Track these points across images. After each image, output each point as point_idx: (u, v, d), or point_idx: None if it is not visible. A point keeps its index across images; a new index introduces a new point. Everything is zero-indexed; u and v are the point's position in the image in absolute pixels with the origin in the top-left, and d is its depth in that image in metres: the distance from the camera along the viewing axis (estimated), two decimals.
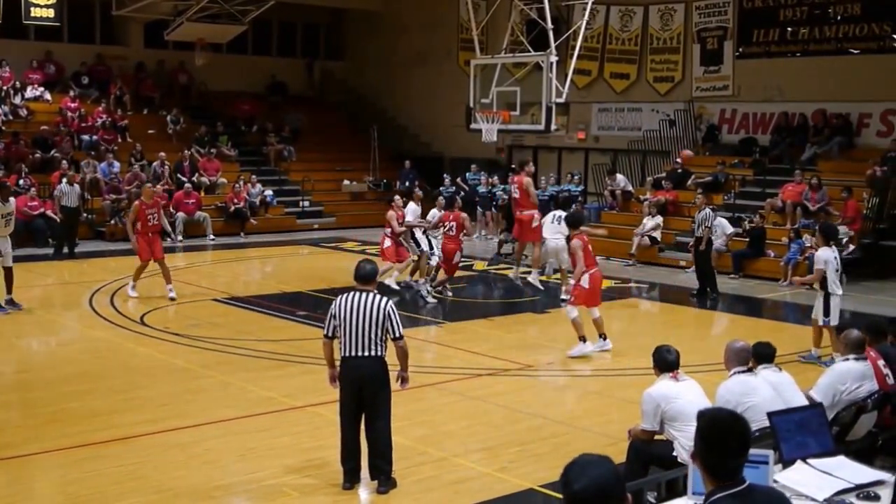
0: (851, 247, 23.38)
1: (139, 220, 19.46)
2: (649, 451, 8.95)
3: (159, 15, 33.05)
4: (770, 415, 7.26)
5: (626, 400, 12.53)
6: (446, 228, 20.00)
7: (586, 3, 23.29)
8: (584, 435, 11.50)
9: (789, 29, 28.14)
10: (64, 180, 25.75)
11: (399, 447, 9.97)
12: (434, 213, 21.11)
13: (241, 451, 10.70)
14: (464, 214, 20.51)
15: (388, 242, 20.62)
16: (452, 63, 34.99)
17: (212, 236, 29.23)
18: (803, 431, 7.04)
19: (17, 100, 31.79)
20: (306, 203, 33.56)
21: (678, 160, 28.58)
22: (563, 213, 20.23)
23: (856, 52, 26.95)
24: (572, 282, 16.49)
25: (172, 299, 19.33)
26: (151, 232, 19.65)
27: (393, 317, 9.43)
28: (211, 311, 18.85)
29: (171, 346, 15.65)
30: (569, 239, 17.01)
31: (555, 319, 17.97)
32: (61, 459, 10.41)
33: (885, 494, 6.29)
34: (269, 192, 32.03)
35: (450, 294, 20.27)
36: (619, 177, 29.31)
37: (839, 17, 27.19)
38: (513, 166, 26.32)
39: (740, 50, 29.21)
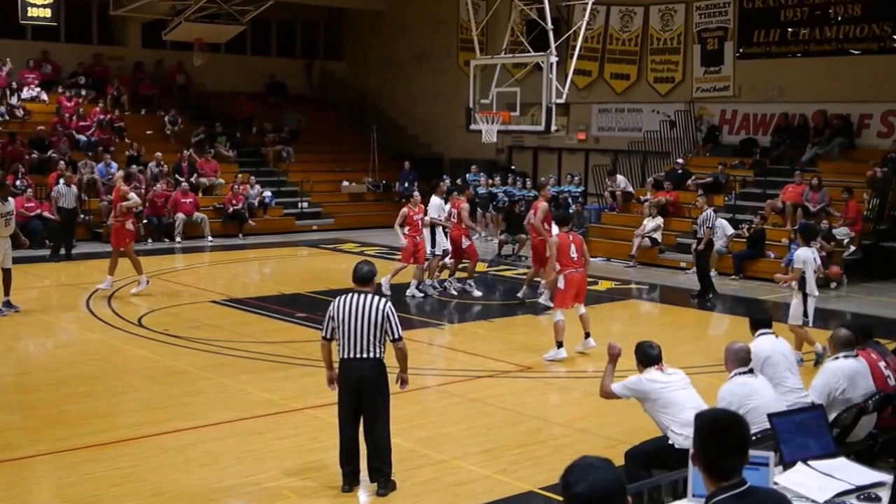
0: (852, 248, 23.34)
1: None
2: (644, 450, 9.02)
3: (157, 15, 32.98)
4: (770, 416, 7.25)
5: (628, 403, 12.38)
6: (451, 216, 20.17)
7: (586, 4, 23.25)
8: (585, 437, 11.46)
9: (790, 29, 28.08)
10: (61, 181, 25.61)
11: (399, 449, 9.94)
12: (432, 202, 20.97)
13: (240, 453, 10.66)
14: (464, 204, 20.50)
15: (404, 241, 20.30)
16: (452, 63, 34.93)
17: (210, 238, 29.12)
18: (804, 433, 7.01)
19: (14, 100, 31.67)
20: (305, 204, 33.47)
21: (679, 160, 28.50)
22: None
23: (856, 52, 26.90)
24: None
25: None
26: (118, 221, 20.13)
27: (392, 318, 9.39)
28: (209, 312, 18.77)
29: (169, 349, 15.56)
30: None
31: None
32: (59, 462, 10.37)
33: (886, 496, 6.22)
34: (267, 193, 31.94)
35: (476, 293, 20.41)
36: (620, 178, 29.26)
37: (840, 18, 27.14)
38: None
39: (741, 50, 29.14)
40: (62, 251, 24.97)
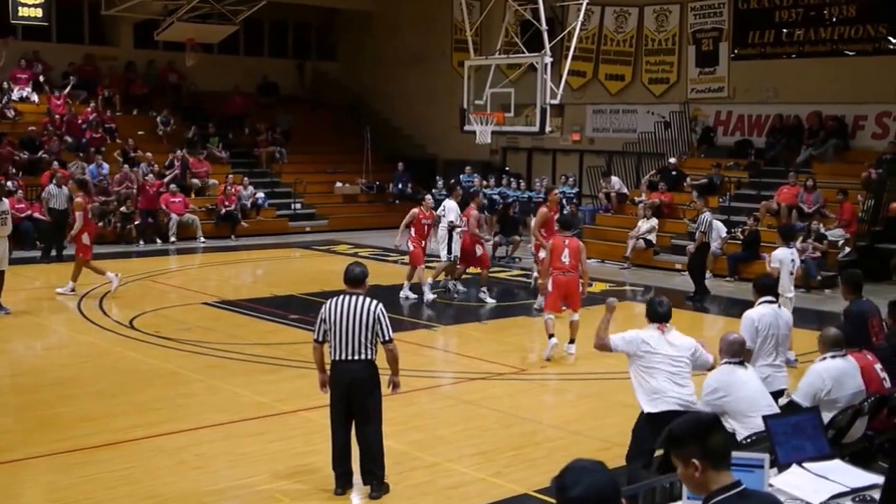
0: (847, 249, 23.30)
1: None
2: (633, 451, 9.22)
3: (149, 15, 32.86)
4: (765, 418, 7.24)
5: (622, 404, 12.50)
6: (462, 223, 20.03)
7: (581, 4, 23.15)
8: (579, 439, 11.44)
9: (785, 30, 28.05)
10: (52, 182, 25.45)
11: (392, 452, 9.95)
12: (449, 206, 20.85)
13: (233, 456, 10.62)
14: (473, 212, 20.25)
15: (411, 245, 20.02)
16: (446, 64, 34.81)
17: (202, 239, 28.98)
18: (799, 435, 6.98)
19: (4, 100, 31.49)
20: (298, 205, 33.34)
21: (671, 160, 28.46)
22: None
23: (851, 53, 26.87)
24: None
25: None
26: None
27: (383, 320, 9.37)
28: (201, 314, 18.67)
29: (161, 351, 15.49)
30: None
31: None
32: (51, 464, 10.33)
33: None
34: (260, 195, 31.81)
35: (489, 300, 20.13)
36: (614, 179, 29.19)
37: (835, 19, 27.10)
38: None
39: (736, 51, 29.09)
40: (53, 252, 24.80)
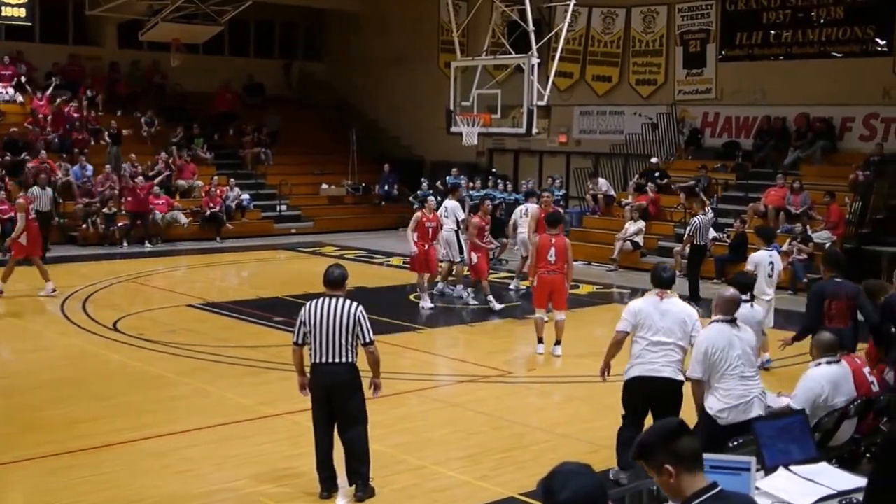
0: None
1: None
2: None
3: (134, 15, 32.72)
4: (752, 421, 7.40)
5: (610, 407, 12.48)
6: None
7: (568, 5, 23.05)
8: (567, 442, 11.42)
9: (772, 32, 28.03)
10: (35, 185, 25.24)
11: (379, 455, 9.94)
12: (450, 206, 20.73)
13: (219, 459, 10.59)
14: (474, 220, 19.94)
15: (415, 249, 19.55)
16: (433, 65, 34.68)
17: (184, 223, 28.94)
18: (786, 438, 7.02)
19: None
20: (284, 207, 33.21)
21: (653, 160, 28.50)
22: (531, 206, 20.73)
23: (839, 55, 26.84)
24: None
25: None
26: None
27: (363, 322, 9.36)
28: (186, 317, 18.55)
29: (145, 354, 15.41)
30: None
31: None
32: (37, 468, 10.29)
33: None
34: (245, 196, 31.65)
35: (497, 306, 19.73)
36: (601, 180, 29.13)
37: (822, 21, 27.09)
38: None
39: (723, 53, 29.05)
40: None
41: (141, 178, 28.47)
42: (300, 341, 9.50)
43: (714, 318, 9.00)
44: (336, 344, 9.28)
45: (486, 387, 14.08)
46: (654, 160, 28.44)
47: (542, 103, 21.61)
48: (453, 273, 20.77)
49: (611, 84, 31.70)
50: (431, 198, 21.00)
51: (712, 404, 8.86)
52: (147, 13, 32.38)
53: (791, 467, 6.76)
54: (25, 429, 11.51)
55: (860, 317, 11.48)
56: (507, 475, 10.21)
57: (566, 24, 23.37)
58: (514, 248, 22.42)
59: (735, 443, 8.05)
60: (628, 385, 9.90)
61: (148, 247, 27.63)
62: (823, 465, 6.95)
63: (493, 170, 33.40)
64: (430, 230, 19.53)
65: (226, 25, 33.97)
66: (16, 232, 19.96)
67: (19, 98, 32.29)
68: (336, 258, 24.50)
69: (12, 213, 25.44)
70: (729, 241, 23.76)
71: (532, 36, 21.59)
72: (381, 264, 25.71)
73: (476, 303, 19.67)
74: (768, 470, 6.71)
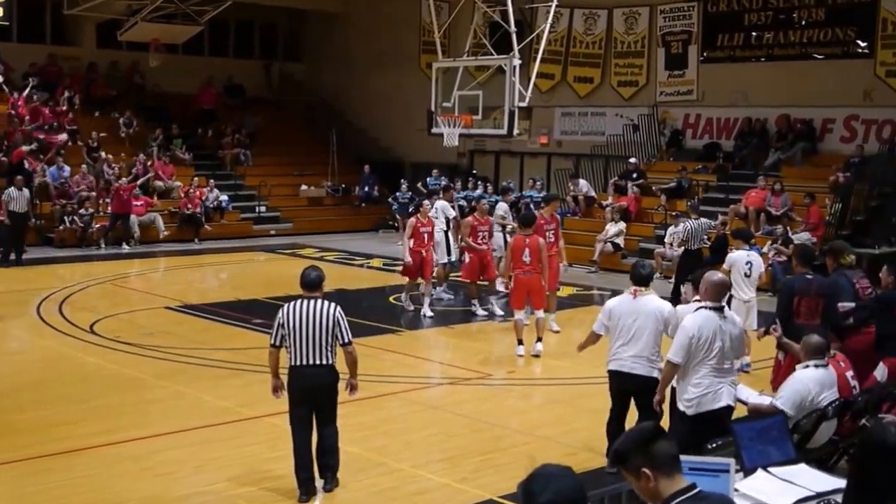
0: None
1: None
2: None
3: (113, 15, 32.51)
4: (732, 423, 7.42)
5: (589, 409, 12.74)
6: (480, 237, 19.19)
7: (550, 6, 23.01)
8: (547, 444, 11.41)
9: (754, 33, 28.05)
10: (12, 185, 25.03)
11: (358, 458, 10.23)
12: (440, 205, 20.61)
13: (196, 462, 10.54)
14: (468, 219, 19.74)
15: (408, 257, 19.01)
16: (414, 66, 34.55)
17: (163, 232, 28.69)
18: (764, 440, 7.08)
19: None
20: (263, 208, 32.99)
21: (631, 160, 28.54)
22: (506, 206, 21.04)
23: (820, 57, 26.88)
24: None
25: None
26: None
27: (342, 322, 9.46)
28: (164, 319, 18.44)
29: (122, 356, 15.30)
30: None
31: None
32: (13, 472, 10.23)
33: None
34: (224, 197, 31.47)
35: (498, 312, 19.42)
36: (582, 182, 29.07)
37: (804, 23, 27.13)
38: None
39: (705, 54, 29.05)
40: (12, 256, 24.37)
41: (124, 179, 28.26)
42: (277, 343, 9.52)
43: (703, 303, 8.94)
44: (316, 345, 9.33)
45: (465, 389, 14.06)
46: (632, 161, 28.41)
47: (524, 104, 21.53)
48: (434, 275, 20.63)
49: (592, 85, 31.65)
50: (427, 202, 20.53)
51: (681, 391, 8.91)
52: (126, 13, 32.20)
53: (769, 469, 6.79)
54: (1, 432, 11.41)
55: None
56: (486, 477, 10.20)
57: (548, 25, 23.32)
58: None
59: (714, 444, 8.05)
60: (609, 376, 10.34)
61: (126, 248, 27.43)
62: (802, 466, 6.99)
63: (474, 171, 33.33)
64: (426, 235, 19.14)
65: (206, 25, 33.81)
66: None
67: None
68: (315, 260, 24.36)
69: None
70: (709, 242, 23.70)
71: (514, 37, 21.54)
72: (360, 266, 25.61)
73: (484, 312, 19.26)
74: (747, 471, 6.74)
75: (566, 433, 11.78)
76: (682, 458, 4.89)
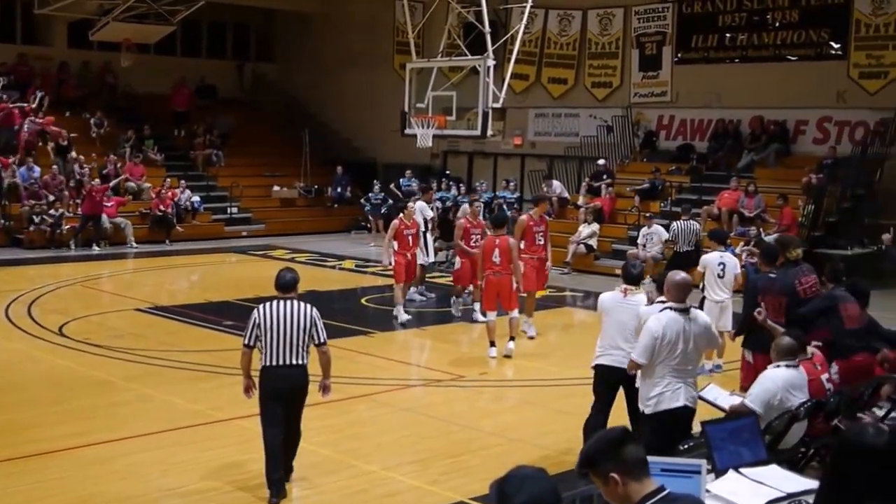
0: None
1: None
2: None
3: (84, 14, 32.26)
4: (703, 424, 7.34)
5: (561, 411, 12.82)
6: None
7: (524, 7, 22.95)
8: (518, 446, 11.39)
9: (728, 35, 28.18)
10: None
11: (328, 460, 10.33)
12: (419, 206, 20.38)
13: (166, 465, 10.46)
14: (460, 221, 19.60)
15: (394, 259, 18.63)
16: (387, 66, 34.44)
17: (133, 244, 28.39)
18: (736, 440, 7.09)
19: None
20: (235, 209, 32.83)
21: (599, 162, 28.61)
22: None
23: (793, 58, 27.01)
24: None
25: None
26: None
27: (318, 322, 9.54)
28: (134, 321, 18.32)
29: (92, 358, 15.17)
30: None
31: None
32: None
33: None
34: (195, 198, 31.28)
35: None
36: (556, 183, 29.02)
37: (777, 24, 27.28)
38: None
39: (679, 55, 29.14)
40: None
41: (98, 180, 28.06)
42: (251, 343, 9.52)
43: (667, 304, 8.90)
44: (292, 345, 9.39)
45: (437, 391, 14.06)
46: (600, 162, 28.41)
47: (498, 105, 21.46)
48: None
49: (566, 86, 31.68)
50: (412, 204, 20.03)
51: (643, 391, 8.92)
52: (98, 13, 31.94)
53: (741, 470, 6.81)
54: None
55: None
56: (457, 479, 10.19)
57: (522, 26, 23.26)
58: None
59: (686, 445, 8.04)
60: (595, 371, 10.48)
61: (96, 250, 27.23)
62: (773, 467, 7.02)
63: (447, 172, 33.26)
64: (410, 238, 18.79)
65: (178, 26, 33.60)
66: None
67: None
68: (287, 261, 24.25)
69: None
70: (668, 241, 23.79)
71: (488, 37, 21.48)
72: (332, 267, 25.53)
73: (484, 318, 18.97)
74: (719, 472, 6.75)
75: (538, 435, 11.75)
76: (655, 459, 4.88)
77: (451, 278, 21.74)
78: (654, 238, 23.14)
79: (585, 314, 21.34)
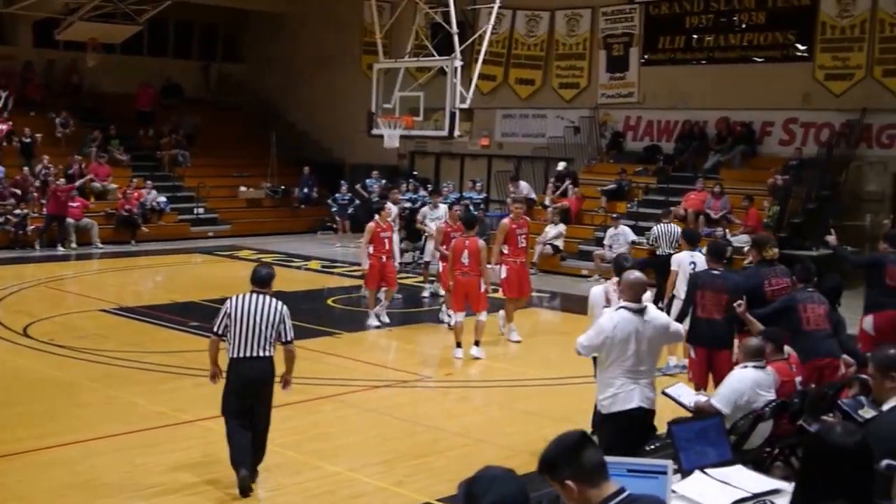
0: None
1: None
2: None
3: (50, 13, 32.04)
4: (670, 424, 7.32)
5: (526, 412, 12.87)
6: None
7: (492, 8, 22.97)
8: (483, 447, 11.39)
9: (695, 36, 28.32)
10: None
11: (293, 461, 10.29)
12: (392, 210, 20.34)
13: (129, 467, 10.35)
14: (440, 225, 19.22)
15: (366, 263, 18.16)
16: (355, 67, 34.39)
17: (99, 244, 28.20)
18: (702, 441, 7.10)
19: None
20: (201, 210, 32.67)
21: (560, 164, 28.57)
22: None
23: (760, 60, 27.14)
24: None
25: None
26: None
27: (287, 320, 9.73)
28: (98, 322, 18.19)
29: (56, 359, 15.04)
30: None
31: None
32: None
33: (781, 503, 6.26)
34: (161, 199, 31.11)
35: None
36: (523, 184, 28.98)
37: (744, 26, 27.43)
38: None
39: (646, 57, 29.23)
40: None
41: (63, 180, 27.86)
42: (220, 332, 9.72)
43: (622, 303, 8.84)
44: (260, 338, 9.55)
45: (402, 391, 14.02)
46: (561, 165, 28.43)
47: (465, 106, 21.47)
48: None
49: (534, 87, 31.72)
50: (389, 205, 19.47)
51: (598, 389, 8.89)
52: (63, 12, 31.74)
53: (707, 470, 6.81)
54: None
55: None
56: (423, 480, 10.18)
57: (490, 27, 23.25)
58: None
59: (652, 446, 8.04)
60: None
61: (61, 250, 27.06)
62: (738, 467, 7.02)
63: (415, 172, 33.21)
64: (386, 241, 18.24)
65: (144, 25, 33.42)
66: None
67: None
68: (254, 262, 24.10)
69: None
70: (650, 246, 23.78)
71: (455, 38, 21.48)
72: (298, 268, 25.46)
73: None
74: (685, 473, 6.75)
75: (503, 435, 11.75)
76: (621, 460, 4.88)
77: (420, 278, 21.79)
78: (620, 239, 23.17)
79: (552, 315, 21.39)
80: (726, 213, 24.41)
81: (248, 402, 9.63)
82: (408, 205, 28.19)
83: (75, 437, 11.22)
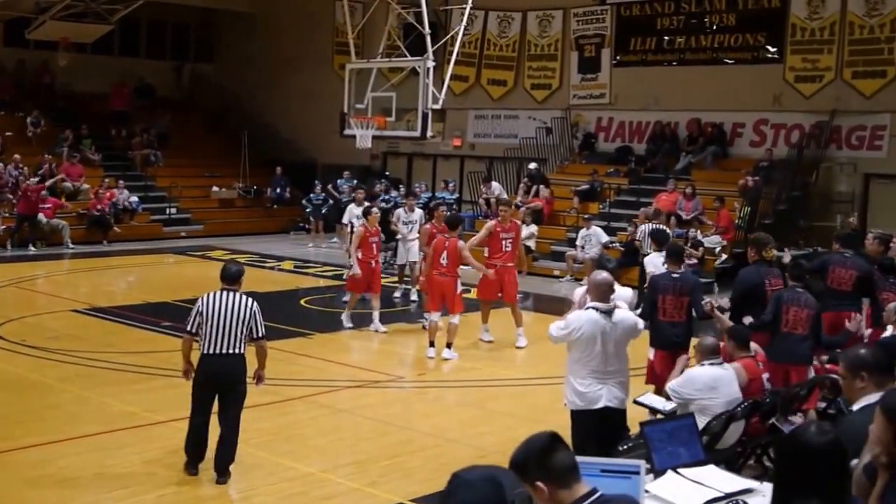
0: (724, 256, 23.50)
1: None
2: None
3: (21, 13, 31.92)
4: (642, 425, 7.45)
5: (498, 412, 12.87)
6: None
7: (464, 8, 22.97)
8: (455, 447, 11.39)
9: (666, 38, 28.43)
10: None
11: (265, 462, 10.27)
12: (354, 212, 20.28)
13: (99, 468, 10.31)
14: (425, 227, 18.95)
15: (357, 269, 17.79)
16: (327, 67, 34.39)
17: (70, 244, 28.06)
18: (674, 441, 7.19)
19: None
20: (173, 210, 32.56)
21: (531, 166, 28.67)
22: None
23: (730, 62, 27.28)
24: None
25: None
26: None
27: (258, 317, 9.89)
28: (70, 322, 18.12)
29: (26, 360, 14.96)
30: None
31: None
32: None
33: (754, 503, 6.44)
34: (133, 199, 31.00)
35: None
36: (495, 184, 29.04)
37: (715, 27, 27.55)
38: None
39: (618, 58, 29.32)
40: None
41: (34, 179, 27.72)
42: (193, 330, 9.89)
43: (590, 303, 8.97)
44: (231, 335, 9.70)
45: (375, 392, 13.99)
46: (532, 166, 28.47)
47: (437, 107, 21.48)
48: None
49: (506, 88, 31.78)
50: (376, 209, 19.01)
51: (565, 390, 9.05)
52: (34, 11, 31.61)
53: (679, 470, 6.88)
54: None
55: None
56: (395, 481, 10.18)
57: (462, 28, 23.31)
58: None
59: (626, 446, 8.11)
60: None
61: (32, 250, 26.93)
62: (711, 467, 7.10)
63: (387, 173, 33.22)
64: (374, 245, 18.04)
65: (116, 25, 33.31)
66: None
67: None
68: (226, 262, 24.09)
69: None
70: (622, 245, 23.86)
71: (428, 39, 21.46)
72: (271, 268, 25.41)
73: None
74: (657, 473, 6.82)
75: (475, 436, 11.77)
76: (595, 460, 4.90)
77: (394, 279, 21.76)
78: (592, 239, 23.25)
79: (525, 315, 21.24)
80: (698, 215, 24.47)
81: (213, 396, 9.80)
82: (382, 205, 28.25)
83: (45, 438, 11.16)
